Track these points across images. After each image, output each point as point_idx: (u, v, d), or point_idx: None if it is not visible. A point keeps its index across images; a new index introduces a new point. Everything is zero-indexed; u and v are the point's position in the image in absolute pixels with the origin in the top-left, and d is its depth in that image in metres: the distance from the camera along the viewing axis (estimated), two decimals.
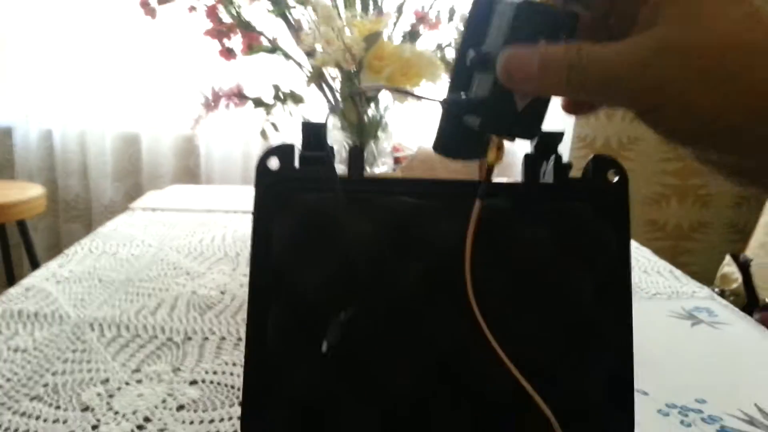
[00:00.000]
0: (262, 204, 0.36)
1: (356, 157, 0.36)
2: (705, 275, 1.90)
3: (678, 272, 1.00)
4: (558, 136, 0.38)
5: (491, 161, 0.32)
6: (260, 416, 0.36)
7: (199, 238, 1.09)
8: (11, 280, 2.06)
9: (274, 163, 0.36)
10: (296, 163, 0.36)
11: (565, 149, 2.17)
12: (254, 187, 0.36)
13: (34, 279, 0.86)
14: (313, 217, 0.35)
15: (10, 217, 1.85)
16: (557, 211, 0.36)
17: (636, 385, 0.62)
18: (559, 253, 0.36)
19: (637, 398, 0.59)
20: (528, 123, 0.32)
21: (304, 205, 0.36)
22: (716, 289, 1.10)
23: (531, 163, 0.37)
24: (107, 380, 0.59)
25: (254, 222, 0.36)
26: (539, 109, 0.32)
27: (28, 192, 1.90)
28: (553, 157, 0.38)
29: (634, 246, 1.15)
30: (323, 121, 0.37)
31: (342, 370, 0.35)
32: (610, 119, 2.40)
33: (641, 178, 2.46)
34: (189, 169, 2.33)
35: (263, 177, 0.36)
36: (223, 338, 0.69)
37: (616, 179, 0.38)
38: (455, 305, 0.34)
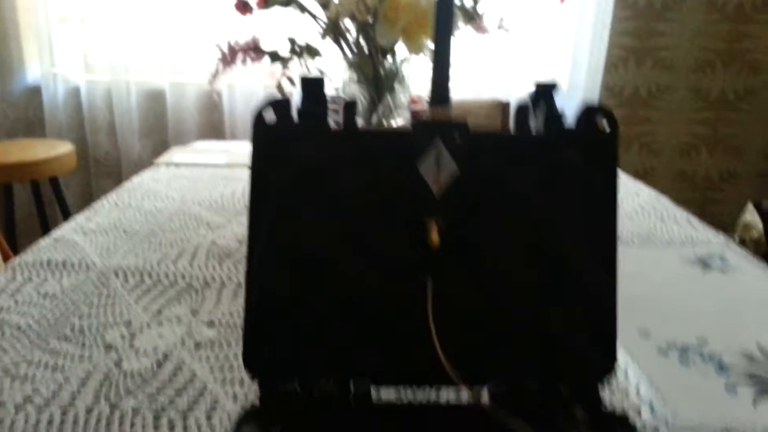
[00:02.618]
0: (259, 156, 0.38)
1: (349, 110, 0.37)
2: (734, 226, 1.88)
3: (695, 220, 1.00)
4: (551, 88, 0.39)
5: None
6: (260, 350, 0.38)
7: (220, 192, 1.12)
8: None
9: (270, 116, 0.38)
10: (294, 117, 0.38)
11: (593, 100, 2.14)
12: (251, 140, 0.38)
13: (62, 231, 0.89)
14: (307, 169, 0.37)
15: (42, 174, 1.91)
16: (548, 161, 0.37)
17: (637, 325, 0.63)
18: (547, 201, 0.37)
19: (638, 338, 0.61)
20: None
21: (298, 157, 0.37)
22: (736, 238, 1.09)
23: (523, 114, 0.38)
24: (130, 322, 0.63)
25: (252, 173, 0.38)
26: None
27: (58, 149, 1.95)
28: (545, 108, 0.38)
29: (653, 195, 1.14)
30: (321, 76, 0.38)
31: (335, 303, 0.37)
32: (640, 68, 2.34)
33: (671, 128, 2.41)
34: (213, 125, 2.36)
35: (259, 130, 0.38)
36: (240, 284, 0.72)
37: (607, 128, 0.38)
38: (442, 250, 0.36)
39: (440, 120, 0.35)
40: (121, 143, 2.36)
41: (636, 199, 1.11)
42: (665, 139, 2.42)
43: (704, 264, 0.81)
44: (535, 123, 0.38)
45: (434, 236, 0.35)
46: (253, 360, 0.38)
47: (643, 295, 0.71)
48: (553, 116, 0.37)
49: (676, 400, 0.51)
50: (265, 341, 0.38)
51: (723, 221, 2.38)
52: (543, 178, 0.37)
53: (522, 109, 0.39)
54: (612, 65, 2.34)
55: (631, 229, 0.95)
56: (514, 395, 0.39)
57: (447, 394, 0.45)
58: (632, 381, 0.53)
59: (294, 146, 0.37)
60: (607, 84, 2.36)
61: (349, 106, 0.37)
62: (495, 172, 0.36)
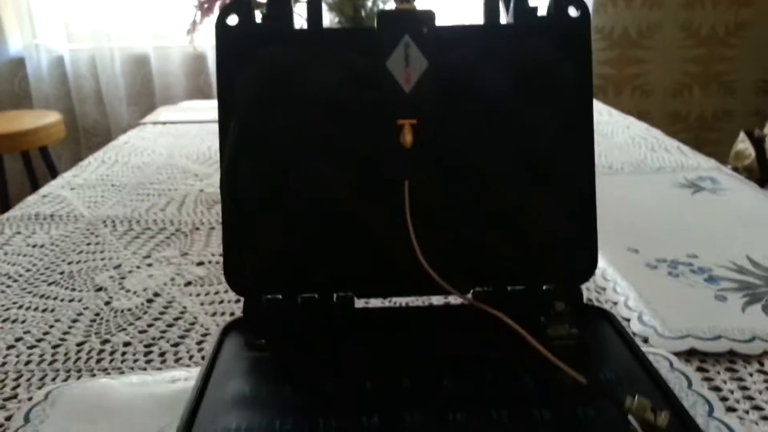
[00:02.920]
0: (224, 61, 0.37)
1: (314, 7, 0.36)
2: (727, 159, 1.87)
3: (686, 148, 0.99)
4: None
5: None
6: (240, 263, 0.38)
7: (207, 145, 1.11)
8: None
9: (233, 19, 0.37)
10: (257, 19, 0.37)
11: None
12: (215, 46, 0.37)
13: (50, 187, 0.89)
14: (273, 70, 0.36)
15: (31, 145, 1.90)
16: (518, 50, 0.36)
17: (626, 245, 0.63)
18: (520, 93, 0.36)
19: (626, 255, 0.61)
20: None
21: (263, 58, 0.36)
22: (729, 167, 1.09)
23: (491, 3, 0.37)
24: (119, 265, 0.63)
25: (218, 80, 0.37)
26: None
27: (45, 119, 1.93)
28: None
29: (644, 127, 1.13)
30: None
31: (311, 210, 0.37)
32: (629, 7, 2.31)
33: (662, 68, 2.39)
34: (200, 87, 2.34)
35: (223, 34, 0.37)
36: None
37: (577, 14, 0.37)
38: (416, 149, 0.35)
39: (406, 11, 0.34)
40: (109, 111, 2.34)
41: (627, 132, 1.11)
42: (657, 79, 2.40)
43: (695, 186, 0.80)
44: (504, 13, 0.37)
45: (407, 136, 0.35)
46: (234, 273, 0.38)
47: (632, 217, 0.71)
48: (523, 5, 0.36)
49: (665, 310, 0.51)
50: (244, 254, 0.38)
51: (717, 160, 2.36)
52: (515, 69, 0.36)
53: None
54: (600, 5, 2.31)
55: (621, 159, 0.94)
56: (497, 297, 0.39)
57: (431, 302, 0.46)
58: (621, 294, 0.53)
59: (259, 48, 0.36)
60: (596, 26, 2.33)
61: (313, 3, 0.36)
62: (465, 64, 0.36)
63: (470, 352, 0.35)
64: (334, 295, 0.39)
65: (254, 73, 0.36)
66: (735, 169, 1.30)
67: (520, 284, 0.39)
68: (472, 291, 0.40)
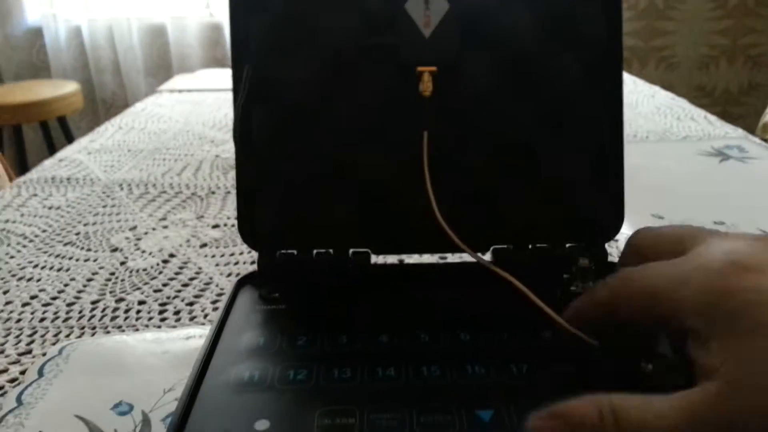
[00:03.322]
0: (237, 6, 0.36)
1: None
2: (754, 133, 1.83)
3: (713, 117, 0.96)
4: None
5: None
6: (254, 217, 0.37)
7: (224, 113, 1.10)
8: None
9: None
10: None
11: None
12: None
13: (66, 152, 0.89)
14: (287, 14, 0.35)
15: (50, 114, 1.90)
16: None
17: (651, 211, 0.62)
18: (546, 39, 0.35)
19: (651, 221, 0.59)
20: None
21: (277, 2, 0.35)
22: (758, 139, 1.06)
23: None
24: (135, 227, 0.62)
25: (231, 26, 0.36)
26: None
27: (63, 88, 1.93)
28: None
29: (670, 96, 1.11)
30: None
31: (326, 162, 0.36)
32: None
33: (688, 40, 2.33)
34: (217, 59, 2.33)
35: None
36: None
37: None
38: (436, 99, 0.34)
39: None
40: (126, 82, 2.34)
41: (651, 101, 1.08)
42: (683, 51, 2.34)
43: (722, 154, 0.78)
44: None
45: (427, 84, 0.33)
46: (248, 227, 0.37)
47: (657, 184, 0.69)
48: None
49: None
50: (257, 207, 0.37)
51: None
52: (540, 12, 0.34)
53: None
54: None
55: (646, 127, 0.92)
56: (518, 256, 0.38)
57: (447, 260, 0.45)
58: None
59: None
60: None
61: None
62: (488, 6, 0.34)
63: (488, 309, 0.34)
64: (350, 251, 0.38)
65: (268, 17, 0.35)
66: (764, 140, 1.26)
67: (542, 243, 0.38)
68: (492, 249, 0.39)
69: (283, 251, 0.38)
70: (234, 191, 0.71)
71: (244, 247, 0.57)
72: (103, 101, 2.40)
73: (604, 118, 0.36)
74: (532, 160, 0.35)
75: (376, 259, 0.41)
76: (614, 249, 0.52)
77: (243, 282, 0.37)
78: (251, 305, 0.35)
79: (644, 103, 1.07)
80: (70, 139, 2.09)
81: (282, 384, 0.28)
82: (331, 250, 0.38)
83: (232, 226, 0.62)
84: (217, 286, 0.51)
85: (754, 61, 2.37)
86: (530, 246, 0.38)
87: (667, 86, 2.34)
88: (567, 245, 0.38)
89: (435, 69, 0.34)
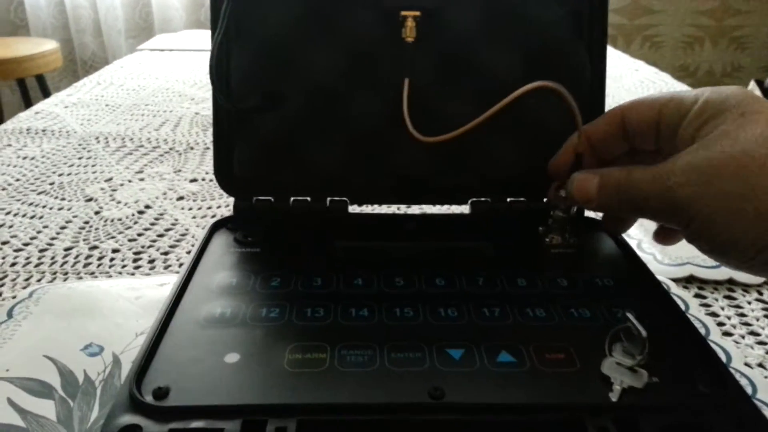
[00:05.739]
0: None
1: None
2: None
3: (683, 84, 0.96)
4: None
5: None
6: (230, 162, 0.36)
7: (205, 72, 1.07)
8: None
9: None
10: None
11: None
12: None
13: (43, 104, 0.87)
14: None
15: (27, 72, 1.85)
16: None
17: None
18: None
19: None
20: None
21: None
22: None
23: None
24: (111, 179, 0.61)
25: None
26: None
27: (42, 46, 1.88)
28: None
29: (653, 71, 1.11)
30: None
31: (305, 108, 0.35)
32: None
33: (673, 20, 2.33)
34: (200, 21, 2.28)
35: None
36: None
37: None
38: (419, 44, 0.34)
39: None
40: (107, 43, 2.29)
41: (636, 75, 1.08)
42: (668, 31, 2.34)
43: None
44: None
45: (411, 28, 0.33)
46: (224, 172, 0.36)
47: None
48: None
49: None
50: (235, 151, 0.36)
51: None
52: None
53: None
54: None
55: (630, 100, 0.92)
56: (496, 209, 0.38)
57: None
58: None
59: None
60: None
61: None
62: None
63: (463, 258, 0.34)
64: (327, 200, 0.38)
65: None
66: None
67: (521, 196, 0.38)
68: (470, 202, 0.39)
69: (259, 197, 0.37)
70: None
71: (222, 201, 0.57)
72: (83, 61, 2.35)
73: (587, 70, 0.36)
74: (513, 112, 0.34)
75: (354, 209, 0.41)
76: None
77: (218, 225, 0.37)
78: (225, 248, 0.35)
79: (628, 76, 1.07)
80: (48, 98, 2.05)
81: (254, 321, 0.28)
82: (308, 198, 0.38)
83: (211, 180, 0.61)
84: (193, 237, 0.50)
85: (737, 42, 2.38)
86: (508, 199, 0.38)
87: (651, 65, 2.35)
88: (544, 200, 0.38)
89: (419, 13, 0.33)
